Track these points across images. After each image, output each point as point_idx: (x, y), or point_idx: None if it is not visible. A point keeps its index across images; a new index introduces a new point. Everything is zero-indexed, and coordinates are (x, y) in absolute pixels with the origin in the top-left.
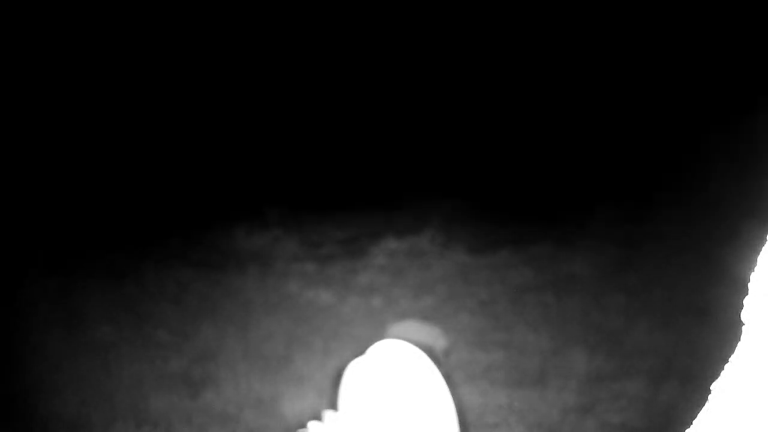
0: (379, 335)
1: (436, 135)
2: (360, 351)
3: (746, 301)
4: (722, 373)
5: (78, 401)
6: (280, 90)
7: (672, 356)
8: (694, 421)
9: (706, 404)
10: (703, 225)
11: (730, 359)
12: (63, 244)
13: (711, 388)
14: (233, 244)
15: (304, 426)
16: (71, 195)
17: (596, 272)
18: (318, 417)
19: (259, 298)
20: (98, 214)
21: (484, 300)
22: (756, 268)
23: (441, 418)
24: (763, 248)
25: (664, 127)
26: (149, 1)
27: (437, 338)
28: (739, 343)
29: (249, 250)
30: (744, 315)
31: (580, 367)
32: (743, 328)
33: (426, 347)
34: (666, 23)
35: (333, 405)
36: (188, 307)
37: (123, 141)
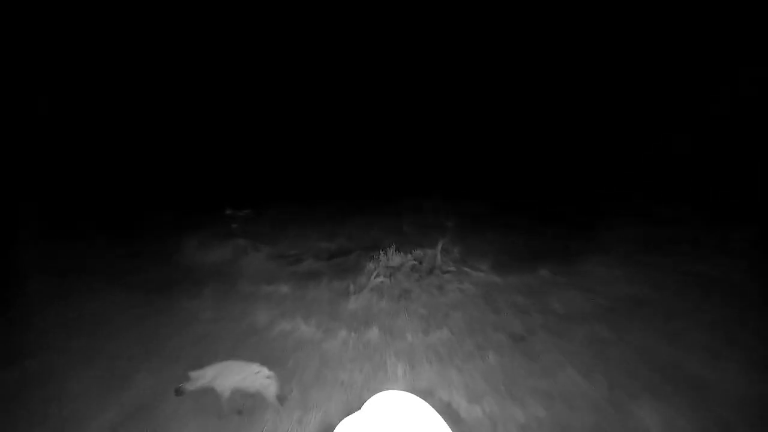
0: (377, 382)
1: (452, 124)
2: (352, 404)
3: None
4: None
5: None
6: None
7: None
8: None
9: None
10: None
11: None
12: None
13: None
14: (184, 258)
15: None
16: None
17: (667, 295)
18: None
19: (217, 330)
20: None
21: (516, 333)
22: None
23: None
24: None
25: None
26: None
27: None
28: None
29: (205, 266)
30: None
31: (649, 426)
32: None
33: None
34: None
35: None
36: (126, 345)
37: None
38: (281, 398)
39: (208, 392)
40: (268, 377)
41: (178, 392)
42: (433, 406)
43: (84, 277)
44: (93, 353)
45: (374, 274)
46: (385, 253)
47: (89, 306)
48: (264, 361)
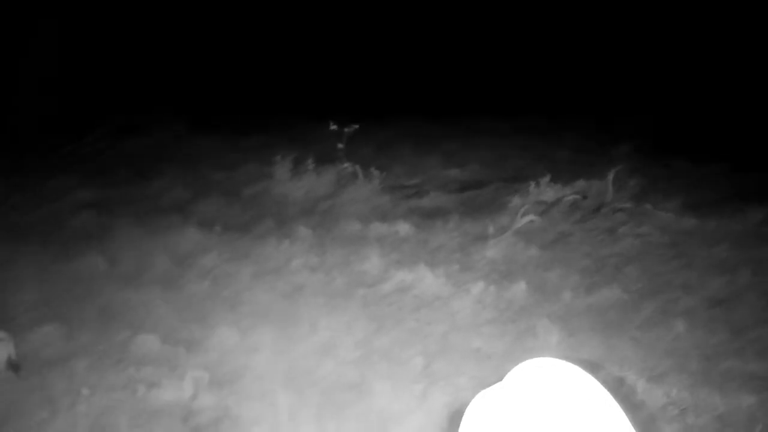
0: (523, 352)
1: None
2: (490, 378)
3: None
4: None
5: None
6: None
7: None
8: None
9: None
10: None
11: None
12: None
13: None
14: (274, 188)
15: None
16: None
17: None
18: None
19: (315, 282)
20: None
21: (715, 297)
22: None
23: None
24: None
25: None
26: None
27: None
28: None
29: (300, 198)
30: None
31: None
32: None
33: None
34: None
35: None
36: (198, 297)
37: None
38: None
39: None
40: None
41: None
42: (601, 383)
43: (155, 216)
44: (159, 307)
45: (520, 212)
46: (536, 185)
47: (163, 241)
48: (374, 322)
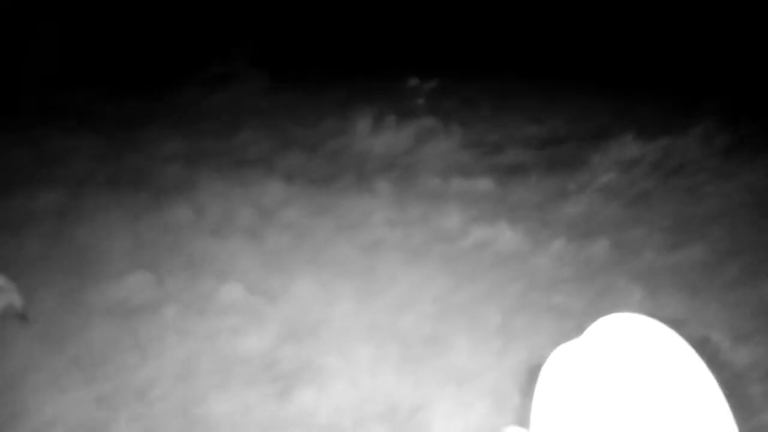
0: (603, 309)
1: None
2: (569, 334)
3: None
4: None
5: None
6: None
7: None
8: None
9: None
10: None
11: None
12: None
13: None
14: (355, 143)
15: None
16: None
17: None
18: None
19: (393, 236)
20: None
21: None
22: None
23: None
24: None
25: None
26: None
27: None
28: None
29: (380, 153)
30: None
31: None
32: None
33: None
34: None
35: (520, 420)
36: (278, 248)
37: None
38: None
39: None
40: None
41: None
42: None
43: (239, 169)
44: (243, 258)
45: (601, 169)
46: (619, 142)
47: (247, 193)
48: (453, 278)
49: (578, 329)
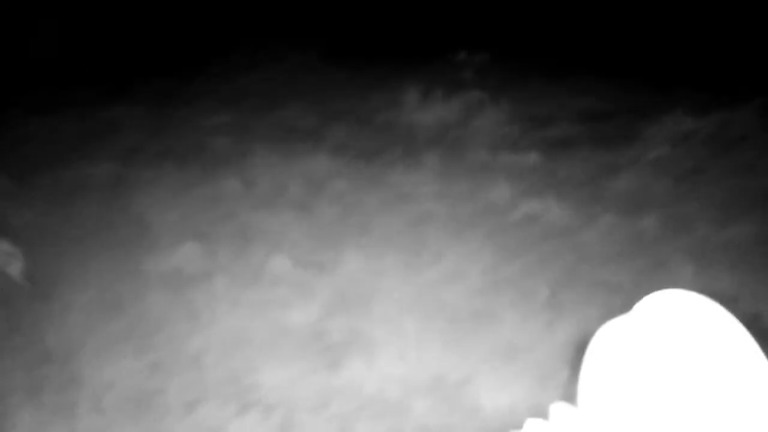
0: (653, 284)
1: None
2: (618, 309)
3: None
4: None
5: None
6: None
7: None
8: None
9: None
10: None
11: None
12: None
13: None
14: (402, 116)
15: (517, 427)
16: None
17: None
18: (539, 414)
19: (440, 209)
20: None
21: None
22: None
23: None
24: None
25: None
26: None
27: None
28: None
29: (428, 126)
30: None
31: None
32: None
33: None
34: None
35: (567, 395)
36: (326, 221)
37: None
38: None
39: None
40: None
41: None
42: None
43: (289, 141)
44: (292, 230)
45: (654, 142)
46: (671, 115)
47: (297, 166)
48: (500, 252)
49: (627, 305)
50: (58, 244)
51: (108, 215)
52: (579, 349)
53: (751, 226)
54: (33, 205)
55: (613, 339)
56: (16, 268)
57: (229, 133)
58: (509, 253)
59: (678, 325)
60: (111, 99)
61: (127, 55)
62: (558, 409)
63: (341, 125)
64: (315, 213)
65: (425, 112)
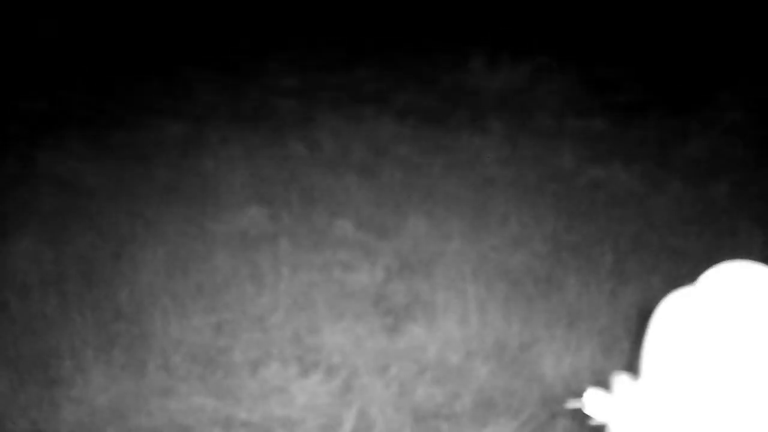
0: (723, 253)
1: None
2: (685, 279)
3: None
4: None
5: None
6: None
7: None
8: None
9: None
10: None
11: None
12: None
13: None
14: (468, 80)
15: (577, 395)
16: None
17: None
18: (600, 383)
19: (506, 174)
20: None
21: None
22: None
23: None
24: None
25: None
26: None
27: None
28: None
29: (494, 90)
30: None
31: None
32: None
33: None
34: None
35: (629, 366)
36: (389, 184)
37: None
38: None
39: None
40: None
41: None
42: None
43: (354, 105)
44: (356, 193)
45: (728, 107)
46: (747, 79)
47: (362, 130)
48: (565, 218)
49: (693, 274)
50: (131, 204)
51: (179, 175)
52: (643, 317)
53: None
54: (106, 166)
55: (679, 311)
56: None
57: (296, 96)
58: (574, 219)
59: (745, 299)
60: (185, 60)
61: (202, 21)
62: (620, 380)
63: (407, 89)
64: (379, 177)
65: (491, 77)
